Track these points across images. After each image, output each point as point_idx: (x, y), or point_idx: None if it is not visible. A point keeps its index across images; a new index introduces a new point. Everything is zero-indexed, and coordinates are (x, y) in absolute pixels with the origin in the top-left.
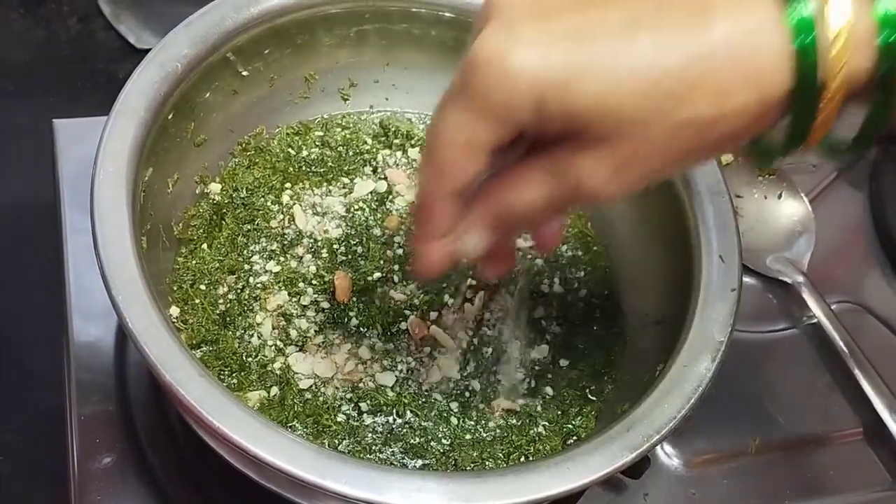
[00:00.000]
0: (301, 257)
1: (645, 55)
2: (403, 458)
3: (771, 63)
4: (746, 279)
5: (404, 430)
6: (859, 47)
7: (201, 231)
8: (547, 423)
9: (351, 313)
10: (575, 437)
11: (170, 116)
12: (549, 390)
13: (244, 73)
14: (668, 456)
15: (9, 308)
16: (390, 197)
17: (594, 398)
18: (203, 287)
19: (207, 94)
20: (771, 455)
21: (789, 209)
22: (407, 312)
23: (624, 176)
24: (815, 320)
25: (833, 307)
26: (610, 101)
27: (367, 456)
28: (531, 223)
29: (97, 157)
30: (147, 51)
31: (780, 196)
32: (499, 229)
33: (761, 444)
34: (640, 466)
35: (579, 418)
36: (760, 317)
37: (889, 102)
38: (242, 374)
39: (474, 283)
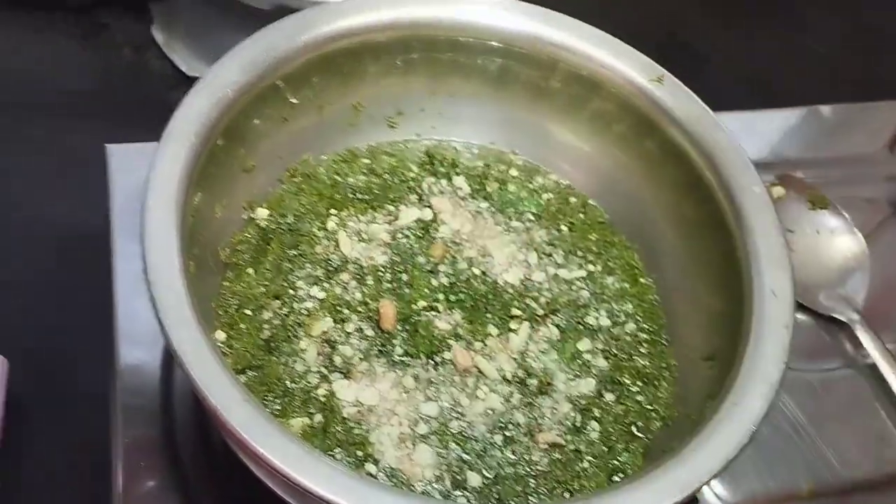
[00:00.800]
0: (346, 284)
1: None
2: (446, 491)
3: None
4: (799, 316)
5: (447, 462)
6: None
7: (247, 256)
8: (592, 459)
9: (395, 341)
10: (621, 475)
11: (219, 142)
12: (594, 425)
13: (293, 101)
14: (717, 497)
15: (58, 331)
16: (435, 225)
17: (641, 434)
18: (248, 312)
19: (257, 121)
20: (825, 500)
21: (843, 244)
22: (451, 342)
23: None
24: (870, 360)
25: (890, 347)
26: None
27: (409, 487)
28: None
29: (148, 182)
30: (198, 79)
31: (833, 231)
32: None
33: (815, 488)
34: None
35: (625, 455)
36: (813, 355)
37: None
38: (286, 399)
39: (519, 313)
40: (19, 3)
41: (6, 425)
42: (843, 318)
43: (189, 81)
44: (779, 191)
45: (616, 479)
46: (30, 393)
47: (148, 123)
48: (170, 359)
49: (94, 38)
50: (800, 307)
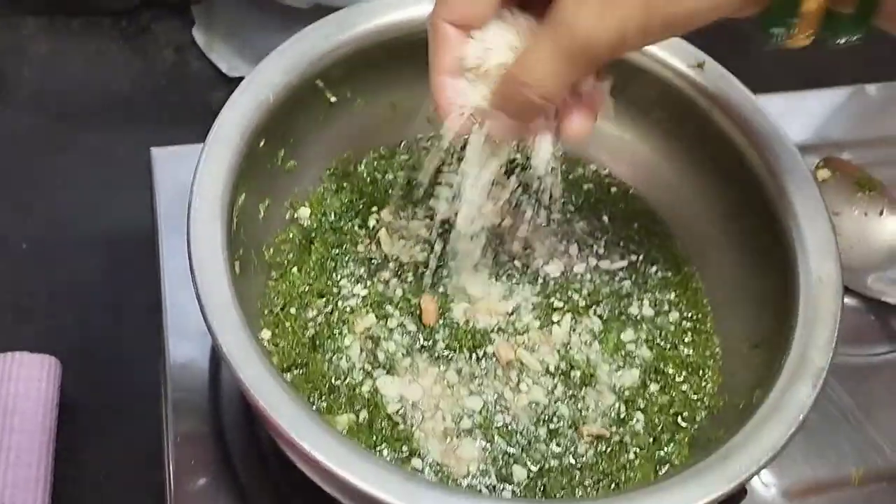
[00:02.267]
0: (387, 281)
1: None
2: (492, 485)
3: None
4: (846, 300)
5: (492, 456)
6: None
7: (291, 255)
8: (638, 450)
9: (437, 336)
10: (668, 466)
11: (262, 143)
12: (639, 416)
13: (332, 100)
14: (766, 486)
15: (111, 330)
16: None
17: (687, 425)
18: (293, 311)
19: (297, 121)
20: (876, 485)
21: (892, 227)
22: (493, 336)
23: (613, 11)
24: None
25: None
26: None
27: (455, 481)
28: (553, 92)
29: (193, 185)
30: (239, 78)
31: (881, 213)
32: (519, 110)
33: (865, 474)
34: (737, 497)
35: (671, 445)
36: (862, 339)
37: None
38: (332, 397)
39: (561, 305)
40: (60, 10)
41: (60, 425)
42: (891, 301)
43: (230, 81)
44: (825, 173)
45: (662, 470)
46: (83, 393)
47: (191, 124)
48: (218, 355)
49: (135, 41)
50: (847, 291)
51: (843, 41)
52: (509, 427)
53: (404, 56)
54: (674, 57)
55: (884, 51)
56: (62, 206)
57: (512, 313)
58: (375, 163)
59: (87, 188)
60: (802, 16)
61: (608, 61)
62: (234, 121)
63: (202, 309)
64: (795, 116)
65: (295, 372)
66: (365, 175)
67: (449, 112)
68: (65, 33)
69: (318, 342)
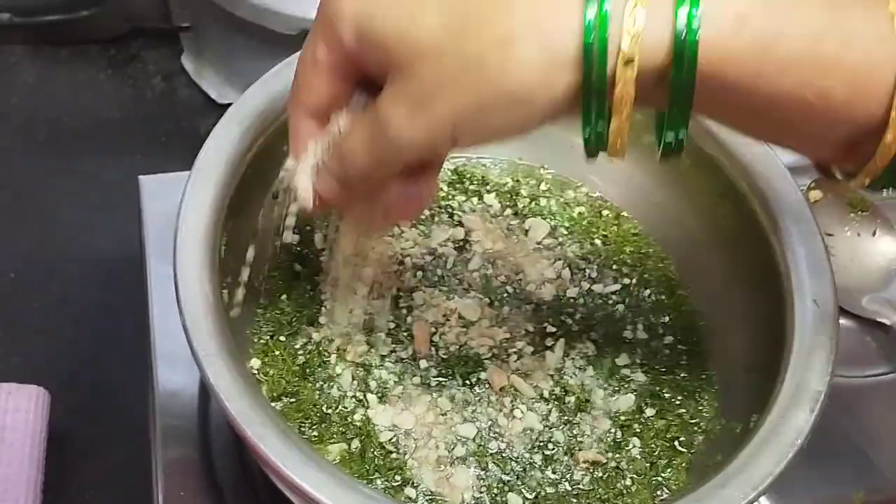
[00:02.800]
0: (380, 307)
1: None
2: None
3: (562, 22)
4: (842, 321)
5: (486, 484)
6: (649, 48)
7: (280, 282)
8: (634, 476)
9: (429, 363)
10: (665, 491)
11: (249, 171)
12: (635, 441)
13: None
14: None
15: (99, 356)
16: (468, 245)
17: (684, 450)
18: (283, 338)
19: (284, 148)
20: None
21: (885, 247)
22: (486, 362)
23: (421, 117)
24: None
25: None
26: (411, 30)
27: None
28: (366, 174)
29: (179, 213)
30: (228, 105)
31: (874, 233)
32: (342, 179)
33: (865, 497)
34: None
35: (668, 471)
36: (858, 361)
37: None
38: (323, 426)
39: (555, 329)
40: (48, 39)
41: (49, 455)
42: (887, 322)
43: (219, 108)
44: (816, 194)
45: (660, 495)
46: (71, 423)
47: (180, 151)
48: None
49: (124, 68)
50: (843, 312)
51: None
52: (504, 454)
53: None
54: None
55: None
56: (50, 235)
57: (505, 339)
58: None
59: (75, 216)
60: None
61: (431, 159)
62: (220, 149)
63: (189, 340)
64: None
65: (285, 401)
66: None
67: (307, 200)
68: (53, 61)
69: (308, 370)
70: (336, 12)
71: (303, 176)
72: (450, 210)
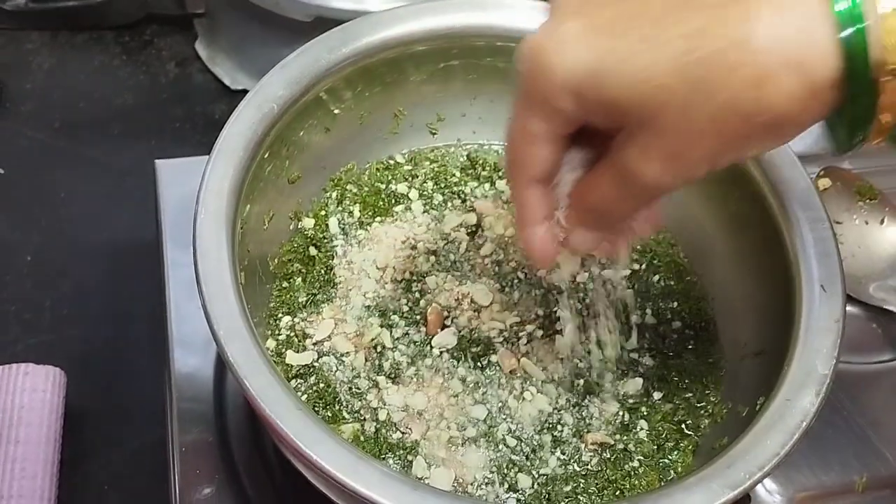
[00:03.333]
0: (393, 290)
1: (682, 42)
2: (496, 493)
3: (817, 50)
4: (849, 308)
5: (497, 464)
6: None
7: (296, 265)
8: (642, 458)
9: (442, 345)
10: (672, 473)
11: (266, 155)
12: (643, 424)
13: (336, 112)
14: (769, 493)
15: (115, 341)
16: (480, 230)
17: (690, 433)
18: (298, 320)
19: (301, 133)
20: (880, 493)
21: (893, 235)
22: (497, 345)
23: (677, 164)
24: None
25: None
26: (645, 88)
27: (461, 490)
28: (623, 216)
29: (199, 197)
30: (241, 91)
31: (882, 221)
32: (596, 226)
33: (869, 482)
34: None
35: (675, 453)
36: (864, 347)
37: None
38: (336, 407)
39: (565, 313)
40: (63, 25)
41: (66, 436)
42: (894, 309)
43: (232, 94)
44: (825, 182)
45: (666, 477)
46: (88, 404)
47: (194, 136)
48: (222, 364)
49: (138, 55)
50: (850, 299)
51: None
52: (514, 435)
53: (407, 68)
54: None
55: None
56: (66, 219)
57: (515, 322)
58: (379, 173)
59: (90, 200)
60: (875, 128)
61: None
62: (239, 133)
63: (208, 319)
64: None
65: (299, 381)
66: (368, 185)
67: (545, 261)
68: (68, 48)
69: (322, 352)
70: (548, 85)
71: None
72: (462, 196)
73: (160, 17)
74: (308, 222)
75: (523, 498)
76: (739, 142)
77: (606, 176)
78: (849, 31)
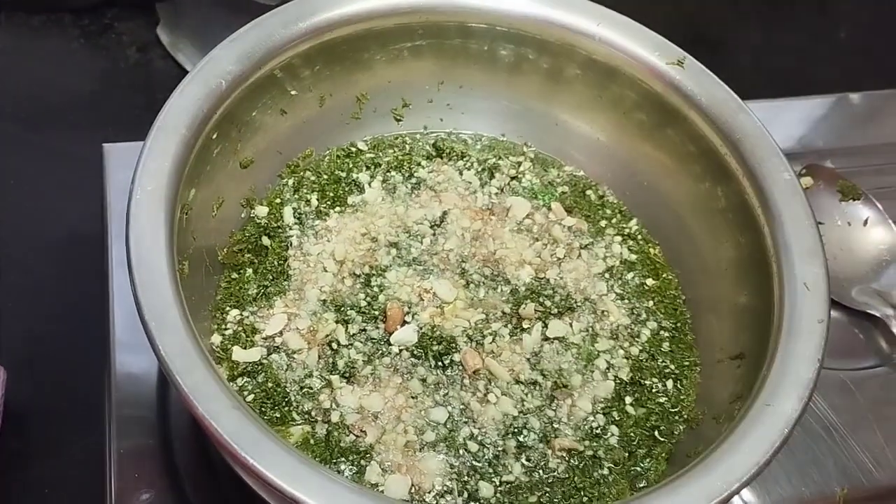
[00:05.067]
0: (351, 285)
1: None
2: (455, 502)
3: None
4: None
5: (457, 471)
6: None
7: (247, 256)
8: (612, 465)
9: (400, 345)
10: (644, 482)
11: (214, 136)
12: (614, 430)
13: (293, 92)
14: None
15: (61, 338)
16: (445, 223)
17: (664, 439)
18: (246, 314)
19: (254, 113)
20: None
21: (877, 237)
22: (461, 343)
23: None
24: None
25: None
26: None
27: (417, 498)
28: None
29: (135, 175)
30: None
31: (865, 222)
32: None
33: (850, 493)
34: None
35: (648, 461)
36: (846, 353)
37: None
38: (286, 407)
39: (532, 312)
40: (18, 6)
41: (2, 435)
42: (877, 314)
43: None
44: (807, 181)
45: (638, 486)
46: (27, 402)
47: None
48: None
49: (97, 39)
50: (831, 303)
51: None
52: (476, 440)
53: (370, 46)
54: (651, 54)
55: (867, 63)
56: (14, 209)
57: (480, 320)
58: (339, 160)
59: (42, 190)
60: None
61: None
62: (183, 109)
63: (139, 307)
64: (777, 124)
65: (246, 380)
66: (327, 173)
67: None
68: (24, 29)
69: (272, 348)
70: None
71: None
72: (427, 186)
73: (121, 0)
74: (261, 210)
75: None
76: None
77: None
78: None
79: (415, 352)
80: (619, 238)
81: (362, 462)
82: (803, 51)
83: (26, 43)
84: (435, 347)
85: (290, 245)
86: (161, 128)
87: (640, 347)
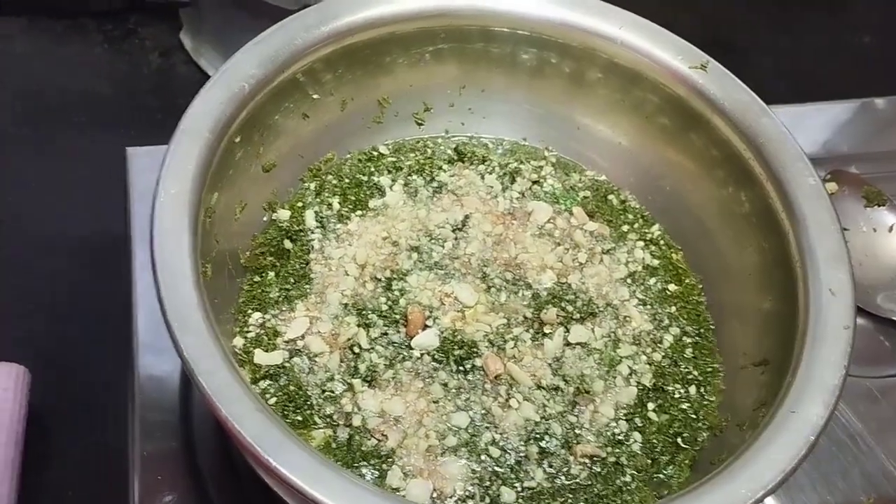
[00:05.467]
0: (372, 289)
1: None
2: None
3: None
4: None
5: (479, 476)
6: None
7: (269, 259)
8: (635, 472)
9: (423, 347)
10: (667, 489)
11: (237, 139)
12: (636, 436)
13: (315, 96)
14: None
15: (82, 340)
16: (466, 227)
17: (687, 446)
18: (268, 317)
19: (276, 117)
20: None
21: None
22: (482, 348)
23: None
24: None
25: None
26: None
27: (439, 503)
28: None
29: (159, 178)
30: None
31: (891, 228)
32: None
33: (877, 502)
34: None
35: (671, 468)
36: (871, 360)
37: None
38: (307, 411)
39: (554, 317)
40: (43, 11)
41: (27, 436)
42: None
43: None
44: (832, 187)
45: (661, 494)
46: (51, 403)
47: (174, 129)
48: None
49: (120, 44)
50: (856, 310)
51: None
52: (498, 445)
53: (392, 50)
54: (674, 58)
55: (890, 67)
56: (38, 211)
57: (502, 325)
58: (361, 164)
59: (64, 193)
60: None
61: None
62: (206, 113)
63: (163, 309)
64: (801, 130)
65: (268, 383)
66: (349, 176)
67: None
68: (48, 35)
69: (294, 352)
70: None
71: None
72: (449, 190)
73: (145, 5)
74: (283, 214)
75: None
76: None
77: None
78: None
79: (436, 356)
80: (641, 243)
81: (384, 466)
82: (824, 55)
83: (50, 48)
84: (456, 352)
85: (312, 248)
86: (185, 131)
87: (663, 353)
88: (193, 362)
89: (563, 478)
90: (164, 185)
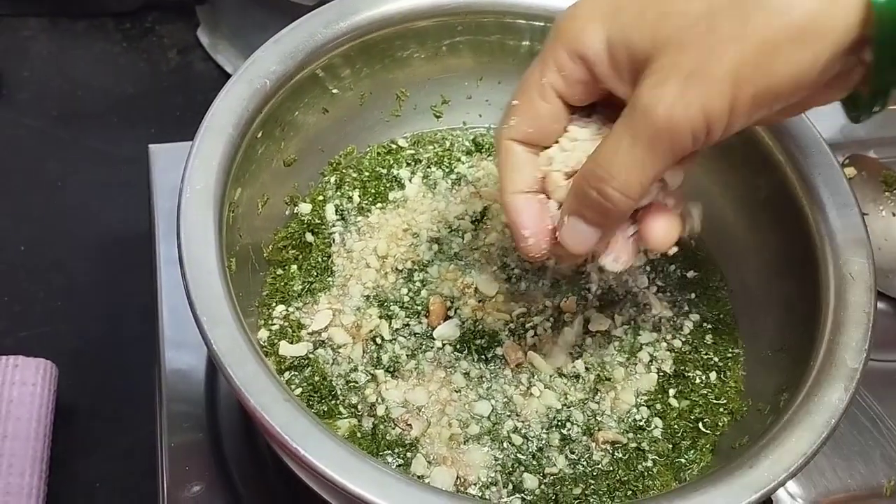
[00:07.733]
0: (393, 280)
1: None
2: (500, 494)
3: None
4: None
5: (501, 463)
6: None
7: (291, 252)
8: (657, 458)
9: (444, 337)
10: (689, 474)
11: (258, 135)
12: (657, 422)
13: (334, 91)
14: (792, 496)
15: (109, 335)
16: (486, 218)
17: (708, 431)
18: (292, 310)
19: (297, 113)
20: None
21: None
22: (503, 337)
23: (697, 82)
24: None
25: None
26: (667, 25)
27: (462, 490)
28: (627, 192)
29: (184, 175)
30: None
31: None
32: (595, 213)
33: None
34: None
35: (692, 452)
36: (892, 344)
37: None
38: (332, 401)
39: (574, 305)
40: (63, 11)
41: (56, 430)
42: None
43: None
44: (850, 171)
45: (683, 478)
46: (79, 398)
47: (194, 125)
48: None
49: (139, 42)
50: (877, 294)
51: None
52: (520, 433)
53: (410, 45)
54: None
55: None
56: (62, 209)
57: (522, 314)
58: (380, 157)
59: (88, 190)
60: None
61: (693, 150)
62: (229, 110)
63: (191, 303)
64: (819, 114)
65: (293, 374)
66: (369, 169)
67: (523, 233)
68: (68, 34)
69: (318, 343)
70: (579, 34)
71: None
72: (467, 182)
73: (162, 4)
74: (305, 207)
75: (529, 499)
76: (765, 49)
77: (617, 131)
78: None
79: (457, 346)
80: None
81: (408, 454)
82: None
83: (70, 47)
84: (477, 341)
85: (334, 241)
86: (209, 128)
87: (683, 339)
88: (222, 354)
89: (584, 464)
90: (189, 181)
